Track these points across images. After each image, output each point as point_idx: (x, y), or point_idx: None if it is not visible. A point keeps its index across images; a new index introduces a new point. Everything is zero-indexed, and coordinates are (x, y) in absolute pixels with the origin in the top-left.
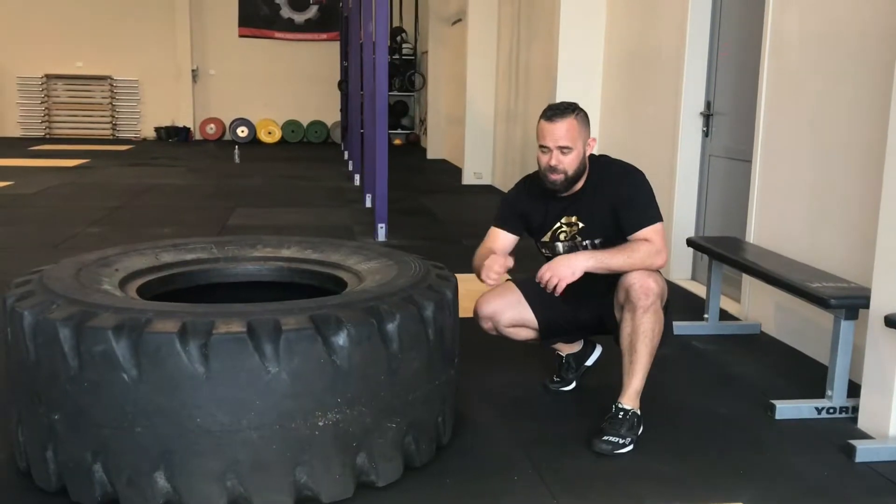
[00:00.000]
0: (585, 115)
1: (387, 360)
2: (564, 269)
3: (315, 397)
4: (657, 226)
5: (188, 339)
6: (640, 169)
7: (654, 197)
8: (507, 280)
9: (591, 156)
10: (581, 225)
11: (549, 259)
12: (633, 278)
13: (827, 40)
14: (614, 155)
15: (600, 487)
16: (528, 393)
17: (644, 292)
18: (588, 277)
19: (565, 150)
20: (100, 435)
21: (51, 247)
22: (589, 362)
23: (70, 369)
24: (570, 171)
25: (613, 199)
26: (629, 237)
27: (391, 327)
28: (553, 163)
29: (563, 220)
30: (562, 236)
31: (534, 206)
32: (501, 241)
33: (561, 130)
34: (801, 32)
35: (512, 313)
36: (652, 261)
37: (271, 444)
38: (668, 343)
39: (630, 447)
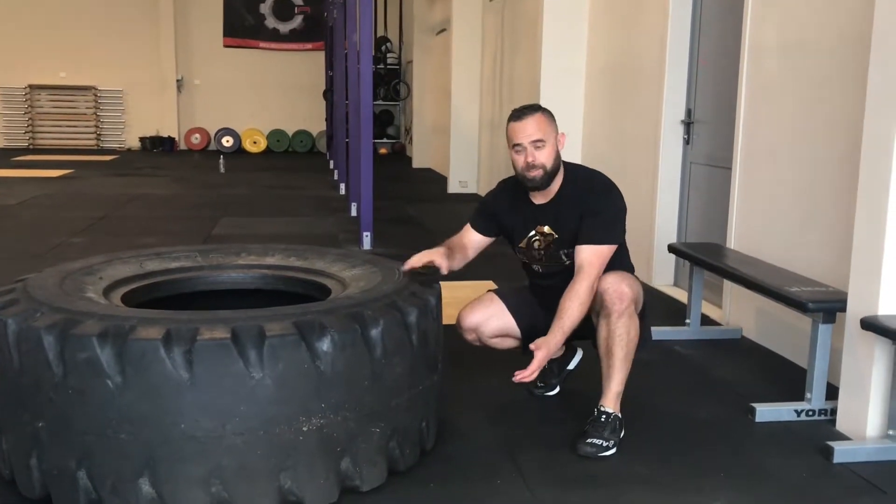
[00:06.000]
0: (550, 112)
1: (371, 366)
2: (549, 357)
3: (299, 403)
4: (604, 248)
5: (172, 345)
6: (618, 184)
7: (621, 218)
8: (489, 291)
9: (571, 164)
10: (556, 235)
11: (525, 265)
12: (606, 283)
13: (804, 48)
14: (597, 163)
15: (583, 490)
16: (511, 398)
17: (618, 297)
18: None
19: (539, 144)
20: (84, 442)
21: (34, 257)
22: (571, 366)
23: (54, 377)
24: (549, 165)
25: (584, 209)
26: (576, 246)
27: (375, 333)
28: (530, 159)
29: (537, 229)
30: (536, 244)
31: (508, 210)
32: (468, 237)
33: (532, 126)
34: (778, 41)
35: (495, 324)
36: (588, 301)
37: (256, 450)
38: (646, 348)
39: (613, 450)
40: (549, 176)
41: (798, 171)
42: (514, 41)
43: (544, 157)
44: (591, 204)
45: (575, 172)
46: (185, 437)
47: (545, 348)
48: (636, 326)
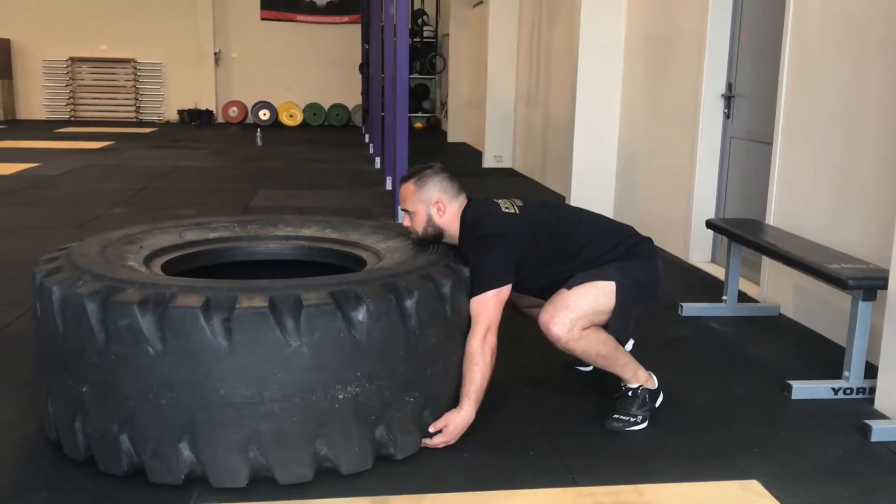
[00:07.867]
0: (434, 178)
1: (405, 336)
2: (459, 432)
3: (335, 371)
4: (479, 298)
5: (212, 313)
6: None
7: (488, 259)
8: None
9: (472, 209)
10: None
11: None
12: (541, 323)
13: (849, 22)
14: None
15: (615, 463)
16: (546, 371)
17: (554, 339)
18: (552, 287)
19: (409, 213)
20: (126, 406)
21: (76, 227)
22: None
23: (97, 342)
24: (419, 232)
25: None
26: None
27: (409, 304)
28: (406, 223)
29: None
30: None
31: None
32: None
33: (402, 193)
34: (823, 14)
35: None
36: (485, 355)
37: (292, 417)
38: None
39: (643, 424)
40: (422, 241)
41: (840, 147)
42: (552, 13)
43: (415, 225)
44: (468, 257)
45: (468, 217)
46: (223, 403)
47: (452, 425)
48: (591, 338)
